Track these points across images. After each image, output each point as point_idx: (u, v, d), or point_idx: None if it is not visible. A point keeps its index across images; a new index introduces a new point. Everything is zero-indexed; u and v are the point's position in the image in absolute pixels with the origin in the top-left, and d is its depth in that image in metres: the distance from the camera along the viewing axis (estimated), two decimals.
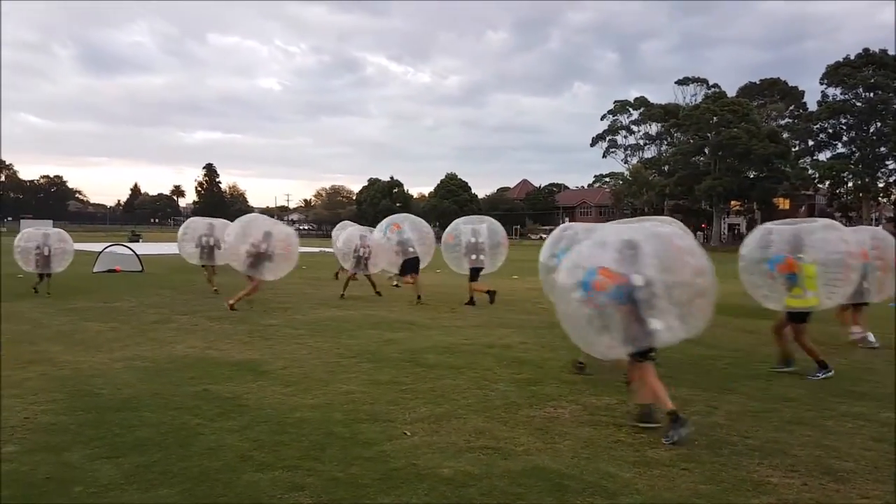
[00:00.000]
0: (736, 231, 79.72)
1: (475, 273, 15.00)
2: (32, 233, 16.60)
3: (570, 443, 5.53)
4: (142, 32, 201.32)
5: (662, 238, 5.95)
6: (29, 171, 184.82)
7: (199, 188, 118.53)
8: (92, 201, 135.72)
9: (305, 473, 4.73)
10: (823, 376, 8.06)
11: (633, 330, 5.65)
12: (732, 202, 73.30)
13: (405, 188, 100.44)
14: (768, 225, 9.18)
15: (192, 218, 18.44)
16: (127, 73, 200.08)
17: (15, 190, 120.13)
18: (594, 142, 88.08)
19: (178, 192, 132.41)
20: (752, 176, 68.79)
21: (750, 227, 75.73)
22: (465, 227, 15.35)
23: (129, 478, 4.62)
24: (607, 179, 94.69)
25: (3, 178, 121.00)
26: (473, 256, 14.95)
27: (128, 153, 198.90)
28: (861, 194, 66.58)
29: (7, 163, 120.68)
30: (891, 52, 63.55)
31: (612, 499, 4.43)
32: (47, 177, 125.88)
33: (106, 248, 24.16)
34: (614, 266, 5.66)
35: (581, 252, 6.19)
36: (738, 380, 7.94)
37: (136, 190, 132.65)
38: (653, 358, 5.94)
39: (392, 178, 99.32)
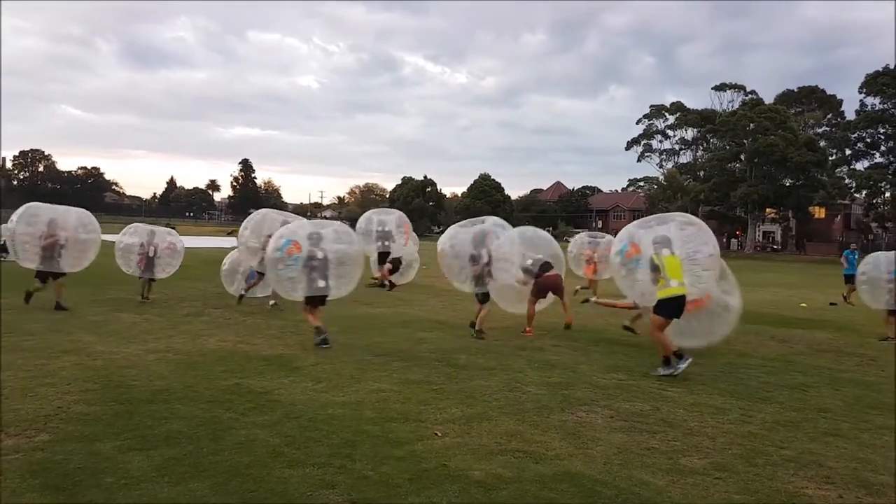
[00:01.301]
0: (771, 239, 78.63)
1: (383, 258, 17.76)
2: (139, 228, 14.52)
3: (602, 448, 5.47)
4: (184, 28, 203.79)
5: (340, 231, 9.97)
6: (67, 162, 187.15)
7: (235, 183, 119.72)
8: (128, 193, 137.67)
9: (336, 471, 4.73)
10: (677, 369, 8.15)
11: (309, 284, 9.32)
12: (767, 210, 72.29)
13: (438, 187, 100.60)
14: (627, 227, 9.66)
15: (263, 210, 15.00)
16: (168, 68, 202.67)
17: (53, 180, 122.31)
18: (629, 145, 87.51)
19: (214, 186, 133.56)
20: (788, 184, 67.84)
21: (785, 235, 74.95)
22: (374, 217, 18.60)
23: (159, 470, 4.65)
24: (641, 184, 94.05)
25: (41, 169, 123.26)
26: (384, 243, 17.90)
27: (165, 147, 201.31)
28: None
29: (46, 153, 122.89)
30: None
31: None
32: (85, 168, 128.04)
33: None
34: (305, 243, 9.43)
35: (289, 229, 10.12)
36: (774, 389, 7.80)
37: (171, 183, 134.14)
38: (322, 302, 9.55)
39: (426, 176, 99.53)
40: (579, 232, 14.36)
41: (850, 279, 19.77)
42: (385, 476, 4.67)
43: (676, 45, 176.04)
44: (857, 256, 20.53)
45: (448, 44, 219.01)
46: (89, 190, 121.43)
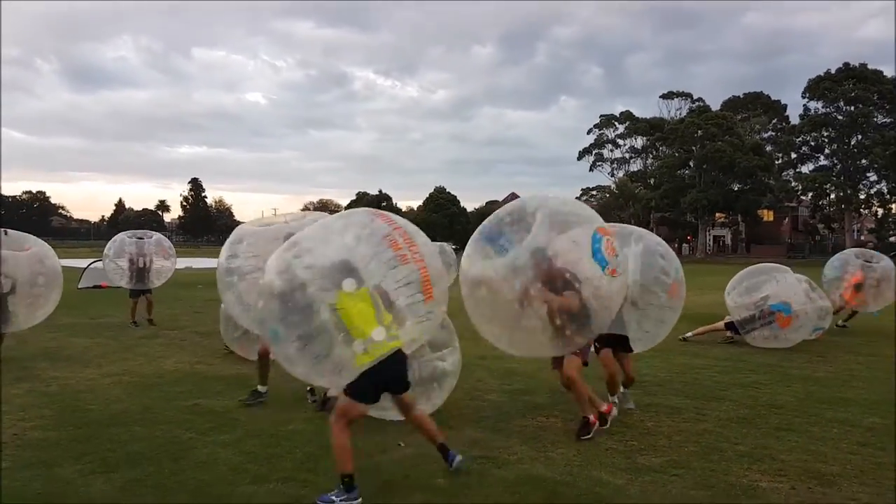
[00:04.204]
0: (721, 243, 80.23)
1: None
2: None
3: (562, 451, 5.58)
4: (126, 47, 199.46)
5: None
6: (11, 187, 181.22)
7: (185, 203, 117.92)
8: (76, 216, 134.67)
9: (300, 485, 4.75)
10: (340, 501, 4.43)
11: None
12: (717, 214, 73.84)
13: (394, 202, 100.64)
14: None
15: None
16: (111, 88, 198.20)
17: None
18: (581, 155, 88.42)
19: (163, 206, 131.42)
20: (736, 188, 69.40)
21: (735, 239, 76.51)
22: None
23: (122, 492, 4.62)
24: (594, 192, 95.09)
25: None
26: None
27: (112, 168, 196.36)
28: (843, 206, 67.23)
29: None
30: (870, 67, 64.58)
31: None
32: (30, 192, 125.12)
33: (91, 263, 23.85)
34: None
35: None
36: (727, 387, 8.01)
37: (120, 205, 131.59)
38: None
39: (380, 191, 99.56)
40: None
41: None
42: None
43: (624, 56, 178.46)
44: None
45: (398, 58, 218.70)
46: (35, 215, 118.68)
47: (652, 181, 77.09)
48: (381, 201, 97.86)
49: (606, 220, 7.58)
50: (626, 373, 6.96)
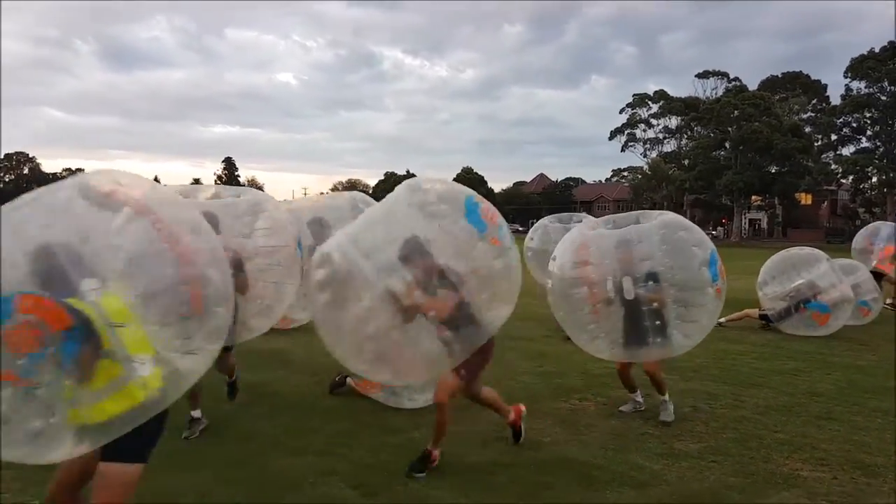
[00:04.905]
0: (757, 226, 79.09)
1: None
2: None
3: (596, 434, 5.53)
4: (160, 27, 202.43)
5: None
6: (52, 164, 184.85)
7: (219, 181, 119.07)
8: None
9: (336, 459, 4.80)
10: None
11: None
12: (753, 197, 72.68)
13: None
14: None
15: None
16: (146, 68, 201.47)
17: (39, 182, 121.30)
18: (612, 135, 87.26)
19: (198, 185, 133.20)
20: (773, 171, 68.16)
21: (771, 222, 75.16)
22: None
23: (164, 462, 4.64)
24: (626, 174, 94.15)
25: (26, 171, 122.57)
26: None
27: (147, 147, 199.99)
28: (886, 190, 65.74)
29: (30, 156, 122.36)
30: None
31: (641, 489, 4.44)
32: (69, 169, 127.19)
33: None
34: None
35: None
36: (765, 374, 7.87)
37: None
38: None
39: (408, 171, 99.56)
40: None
41: None
42: (384, 463, 4.75)
43: (658, 34, 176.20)
44: None
45: (427, 37, 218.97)
46: None
47: (686, 162, 76.00)
48: None
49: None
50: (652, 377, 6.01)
